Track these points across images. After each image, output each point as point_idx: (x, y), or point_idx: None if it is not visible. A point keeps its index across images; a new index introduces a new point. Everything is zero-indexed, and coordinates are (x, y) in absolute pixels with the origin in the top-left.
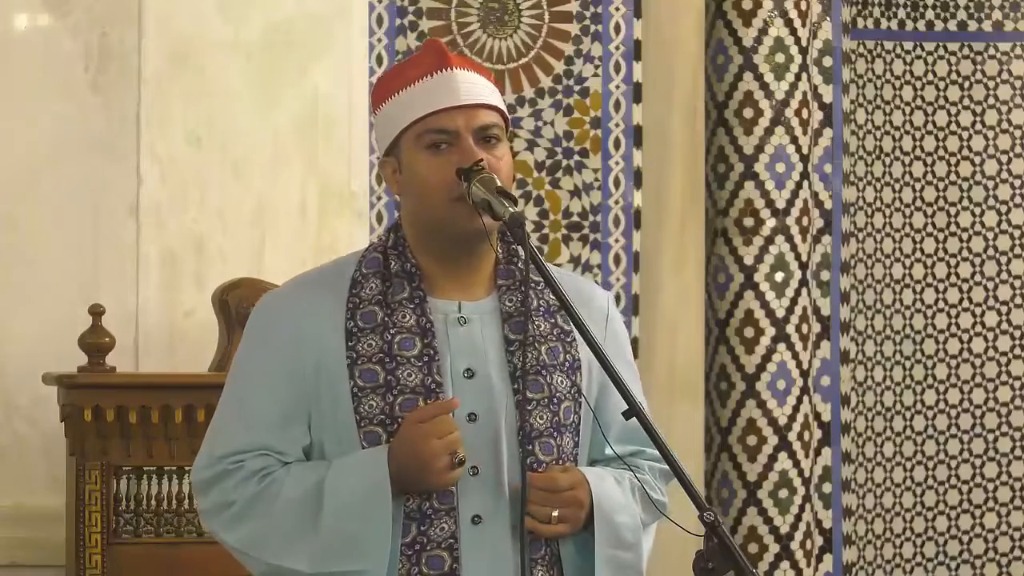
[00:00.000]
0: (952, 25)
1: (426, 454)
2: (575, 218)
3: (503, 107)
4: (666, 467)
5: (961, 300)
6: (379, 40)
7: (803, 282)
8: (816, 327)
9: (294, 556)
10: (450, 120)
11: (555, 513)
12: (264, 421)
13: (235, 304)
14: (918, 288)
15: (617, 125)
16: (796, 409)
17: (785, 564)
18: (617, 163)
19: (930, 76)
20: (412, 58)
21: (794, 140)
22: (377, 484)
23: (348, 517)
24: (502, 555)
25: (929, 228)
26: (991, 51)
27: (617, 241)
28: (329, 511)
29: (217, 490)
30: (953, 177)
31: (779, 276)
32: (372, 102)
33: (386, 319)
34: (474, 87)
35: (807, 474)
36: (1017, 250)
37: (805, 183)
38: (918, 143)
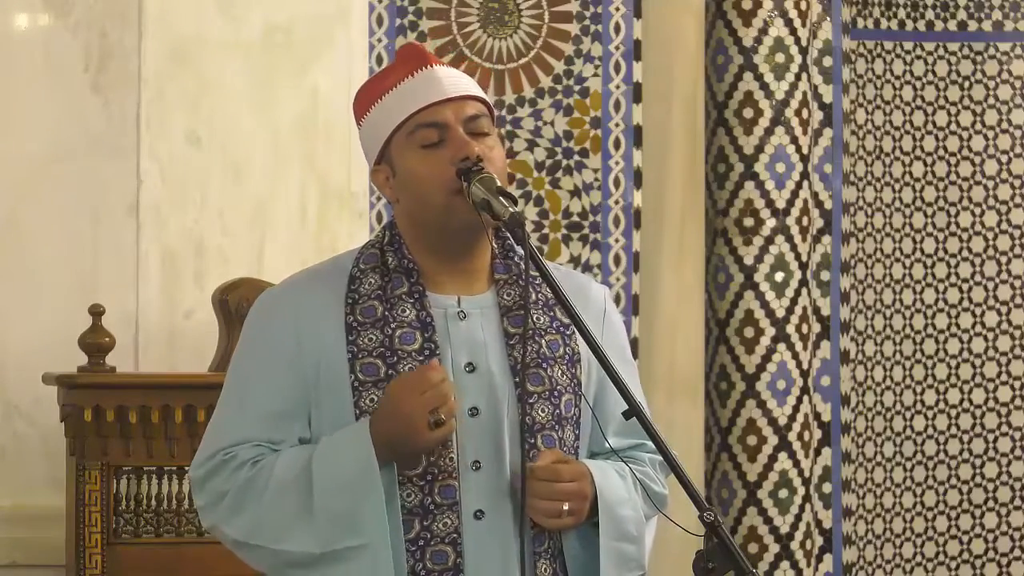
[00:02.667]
0: (952, 25)
1: (406, 412)
2: (575, 218)
3: (487, 99)
4: None
5: (961, 300)
6: (379, 40)
7: (803, 282)
8: (816, 327)
9: (295, 538)
10: (439, 113)
11: (566, 507)
12: (264, 415)
13: (235, 304)
14: (918, 288)
15: (617, 125)
16: (796, 409)
17: (785, 564)
18: (617, 163)
19: (930, 76)
20: (390, 65)
21: (794, 140)
22: (363, 457)
23: (339, 495)
24: (505, 549)
25: (929, 228)
26: (991, 51)
27: (617, 241)
28: (319, 491)
29: (212, 483)
30: (953, 177)
31: (779, 276)
32: (356, 113)
33: (386, 314)
34: (456, 80)
35: (807, 474)
36: (1017, 250)
37: (805, 183)
38: (918, 143)
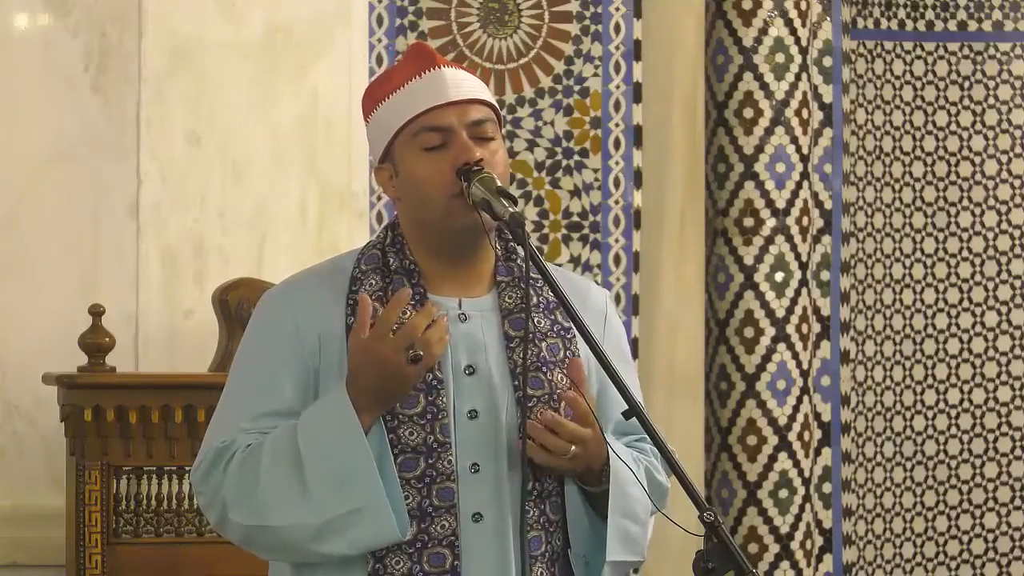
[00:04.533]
0: (952, 25)
1: (380, 358)
2: (575, 218)
3: (494, 102)
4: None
5: (961, 300)
6: (379, 40)
7: (803, 282)
8: (816, 327)
9: (294, 513)
10: (442, 117)
11: (574, 448)
12: (263, 415)
13: (235, 304)
14: (918, 288)
15: (617, 125)
16: (796, 409)
17: (785, 564)
18: (617, 163)
19: (930, 76)
20: (398, 64)
21: (794, 140)
22: (344, 419)
23: (326, 461)
24: (503, 552)
25: (929, 228)
26: (991, 51)
27: (617, 241)
28: (307, 460)
29: (211, 476)
30: (953, 177)
31: (779, 276)
32: (363, 111)
33: None
34: (463, 83)
35: (807, 474)
36: (1017, 250)
37: (805, 183)
38: (918, 143)
